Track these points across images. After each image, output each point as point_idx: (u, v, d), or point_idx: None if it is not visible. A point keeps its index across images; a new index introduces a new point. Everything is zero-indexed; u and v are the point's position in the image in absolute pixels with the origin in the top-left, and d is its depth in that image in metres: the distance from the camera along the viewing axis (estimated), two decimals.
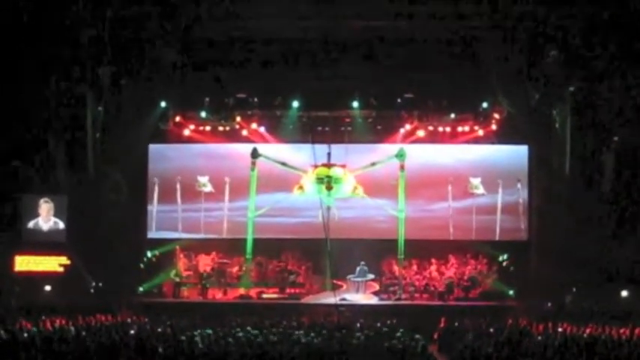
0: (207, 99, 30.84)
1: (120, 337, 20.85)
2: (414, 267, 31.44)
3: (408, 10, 27.09)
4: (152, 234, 31.87)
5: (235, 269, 31.57)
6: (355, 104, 30.67)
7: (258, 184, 30.94)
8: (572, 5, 26.66)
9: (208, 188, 31.83)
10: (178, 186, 31.71)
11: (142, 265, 30.97)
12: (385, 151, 31.21)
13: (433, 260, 31.54)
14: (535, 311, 26.94)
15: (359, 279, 30.62)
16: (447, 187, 31.37)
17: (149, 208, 31.86)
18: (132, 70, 28.85)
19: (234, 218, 31.75)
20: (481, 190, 31.42)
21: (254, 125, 31.48)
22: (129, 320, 25.10)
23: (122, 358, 18.57)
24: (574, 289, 28.71)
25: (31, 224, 29.76)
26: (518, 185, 31.18)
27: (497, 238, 31.35)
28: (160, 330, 23.11)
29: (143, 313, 26.63)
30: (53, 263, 29.49)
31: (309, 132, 29.77)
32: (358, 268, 30.66)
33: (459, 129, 31.29)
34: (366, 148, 31.55)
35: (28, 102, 28.21)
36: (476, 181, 31.40)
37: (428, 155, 31.73)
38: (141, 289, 30.29)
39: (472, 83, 29.43)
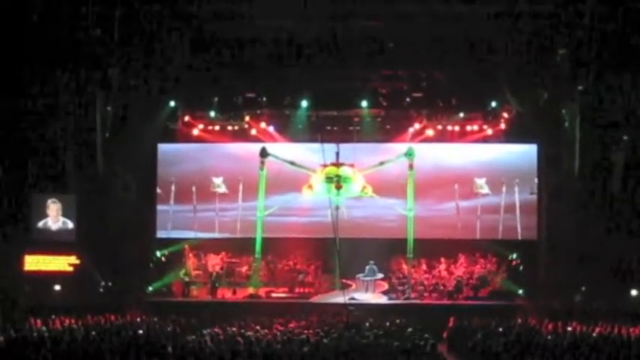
0: (216, 98, 30.90)
1: (129, 337, 20.93)
2: (423, 266, 31.43)
3: (417, 10, 27.03)
4: (166, 233, 31.86)
5: (244, 269, 31.59)
6: (364, 103, 30.69)
7: (267, 183, 30.91)
8: (582, 4, 26.59)
9: (222, 189, 31.83)
10: (194, 187, 31.73)
11: (151, 265, 31.00)
12: (394, 150, 31.17)
13: (442, 259, 31.52)
14: (544, 310, 26.92)
15: (368, 278, 30.58)
16: (456, 187, 31.33)
17: (164, 207, 31.84)
18: (141, 70, 28.86)
19: (245, 218, 31.72)
20: (486, 189, 31.35)
21: (263, 124, 31.54)
22: (138, 320, 25.20)
23: (131, 358, 18.60)
24: (583, 289, 28.66)
25: (40, 224, 29.81)
26: (516, 181, 31.11)
27: (500, 236, 31.27)
28: (169, 329, 23.18)
29: (152, 312, 26.73)
30: (63, 263, 29.56)
31: (317, 131, 29.74)
32: (367, 267, 30.62)
33: (468, 128, 31.31)
34: (374, 148, 31.60)
35: (38, 102, 28.25)
36: (480, 182, 31.34)
37: (437, 154, 31.67)
38: (150, 288, 30.27)
39: (481, 82, 29.34)
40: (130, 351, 19.07)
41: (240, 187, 31.62)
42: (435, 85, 29.90)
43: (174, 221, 31.87)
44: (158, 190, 31.72)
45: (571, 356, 18.98)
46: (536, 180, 30.96)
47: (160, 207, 31.85)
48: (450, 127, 31.30)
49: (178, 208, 31.86)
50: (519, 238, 31.17)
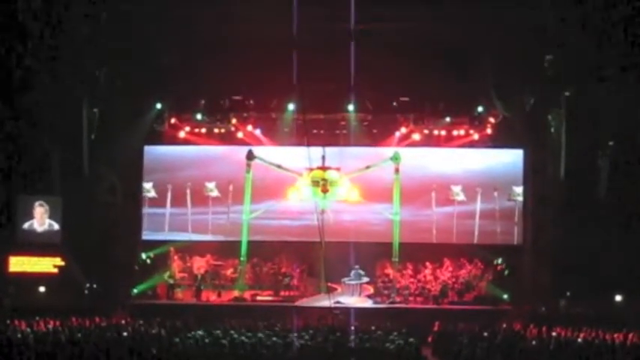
0: (202, 101, 30.88)
1: (113, 339, 20.87)
2: (409, 270, 31.40)
3: (404, 14, 27.05)
4: (154, 235, 31.77)
5: (230, 271, 31.55)
6: (351, 107, 30.70)
7: (253, 186, 30.90)
8: (569, 9, 26.66)
9: (215, 193, 31.75)
10: (188, 190, 31.65)
11: (136, 267, 30.90)
12: (380, 154, 31.22)
13: (428, 263, 31.50)
14: (529, 315, 26.98)
15: (353, 282, 30.55)
16: (441, 192, 31.36)
17: (154, 210, 31.79)
18: (127, 71, 28.80)
19: (232, 220, 31.63)
20: (462, 196, 31.37)
21: (249, 127, 31.50)
22: (123, 322, 25.12)
23: None
24: (568, 294, 28.73)
25: (26, 225, 29.72)
26: (496, 187, 31.24)
27: (484, 241, 31.28)
28: (153, 332, 23.12)
29: (137, 314, 26.62)
30: (48, 264, 29.45)
31: (304, 135, 29.72)
32: (353, 272, 30.55)
33: (455, 133, 31.38)
34: (361, 152, 31.60)
35: (23, 103, 28.13)
36: (457, 189, 31.36)
37: (423, 159, 31.68)
38: (135, 290, 30.15)
39: (468, 87, 29.40)
40: (114, 353, 19.03)
41: (230, 188, 31.56)
42: (422, 89, 29.87)
43: (163, 224, 31.79)
44: (149, 193, 31.65)
45: None
46: (514, 188, 31.04)
47: (149, 210, 31.79)
48: (436, 132, 31.34)
49: (169, 211, 31.81)
50: (499, 243, 31.23)
